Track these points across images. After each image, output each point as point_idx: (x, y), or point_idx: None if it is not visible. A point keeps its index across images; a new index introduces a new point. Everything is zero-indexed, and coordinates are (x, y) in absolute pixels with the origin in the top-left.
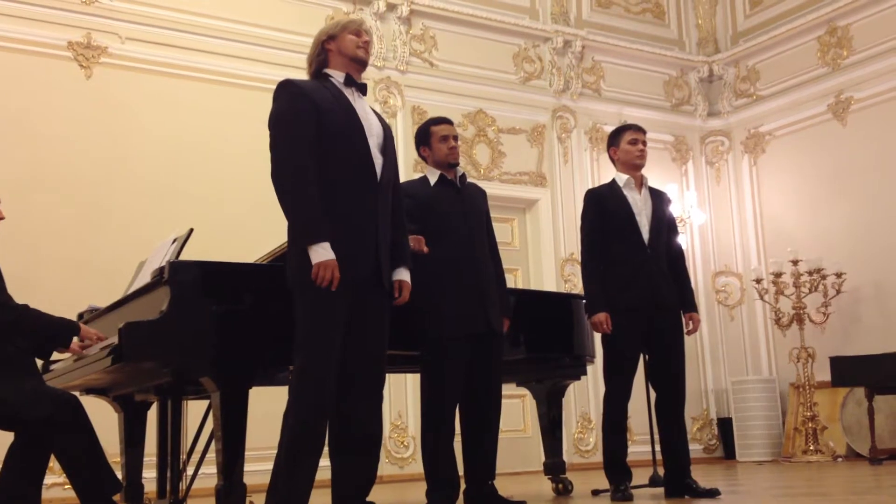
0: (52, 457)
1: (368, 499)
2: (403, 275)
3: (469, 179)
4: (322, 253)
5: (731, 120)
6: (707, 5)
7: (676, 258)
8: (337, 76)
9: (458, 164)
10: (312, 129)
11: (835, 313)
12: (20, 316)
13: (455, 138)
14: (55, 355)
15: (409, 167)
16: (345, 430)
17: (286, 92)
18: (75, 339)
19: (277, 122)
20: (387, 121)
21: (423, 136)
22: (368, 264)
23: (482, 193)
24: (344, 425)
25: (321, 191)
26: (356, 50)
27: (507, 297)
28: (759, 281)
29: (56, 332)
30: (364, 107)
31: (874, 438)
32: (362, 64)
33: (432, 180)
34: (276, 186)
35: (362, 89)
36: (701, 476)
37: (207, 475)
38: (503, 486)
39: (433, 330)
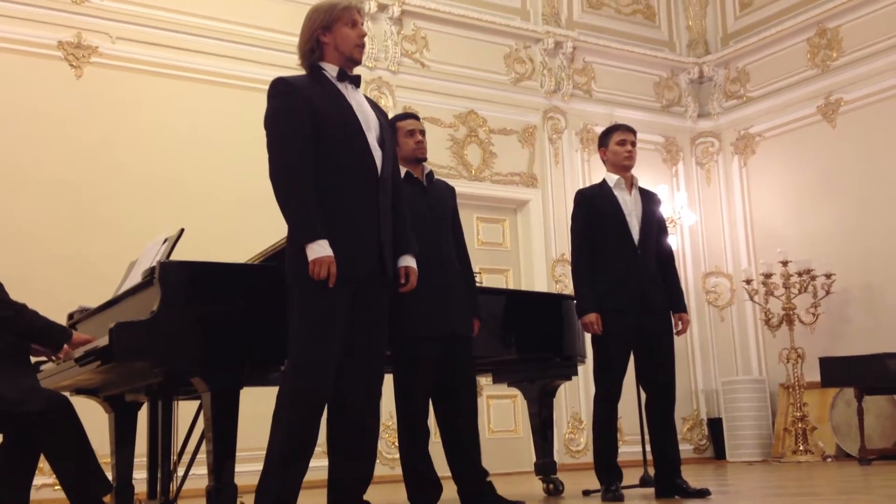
0: (42, 457)
1: (363, 498)
2: (409, 261)
3: (456, 178)
4: (318, 250)
5: (721, 121)
6: (697, 7)
7: (666, 259)
8: (330, 70)
9: (425, 160)
10: (308, 127)
11: (824, 314)
12: (17, 313)
13: (422, 133)
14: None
15: None
16: (342, 427)
17: (279, 91)
18: (65, 345)
19: (272, 122)
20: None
21: None
22: (371, 260)
23: (450, 191)
24: (341, 423)
25: (322, 188)
26: (353, 49)
27: (476, 298)
28: (748, 282)
29: (49, 335)
30: (360, 100)
31: (863, 438)
32: (357, 64)
33: None
34: (274, 185)
35: (356, 82)
36: (691, 476)
37: (198, 476)
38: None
39: (399, 332)
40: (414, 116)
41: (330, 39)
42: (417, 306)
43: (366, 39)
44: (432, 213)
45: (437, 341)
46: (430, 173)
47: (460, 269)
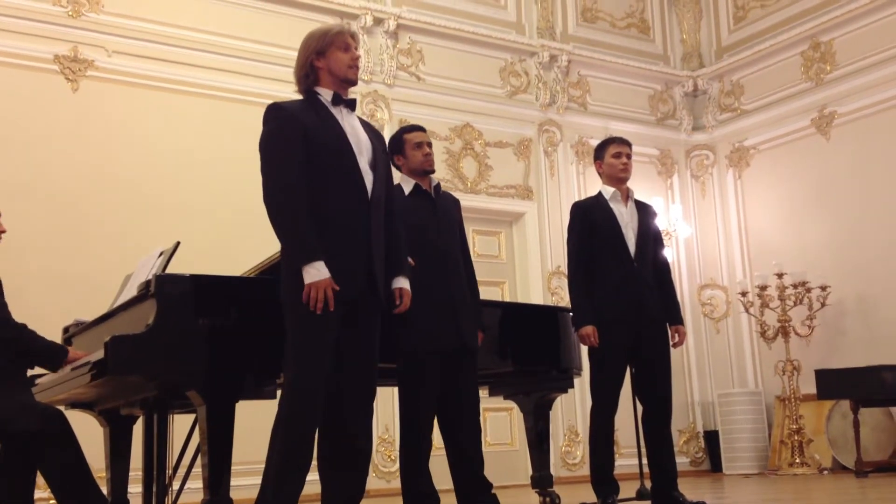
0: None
1: None
2: (403, 283)
3: (452, 191)
4: (315, 273)
5: (716, 134)
6: (692, 20)
7: (662, 271)
8: (325, 94)
9: (433, 172)
10: (301, 151)
11: (820, 326)
12: (20, 335)
13: (429, 145)
14: (39, 370)
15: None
16: (334, 443)
17: (274, 116)
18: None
19: (267, 146)
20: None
21: (397, 145)
22: (361, 281)
23: (456, 203)
24: (333, 439)
25: (313, 210)
26: (347, 71)
27: (480, 310)
28: (744, 294)
29: (48, 355)
30: (353, 123)
31: (859, 451)
32: (352, 84)
33: (407, 190)
34: (268, 208)
35: (351, 105)
36: (688, 489)
37: (193, 490)
38: None
39: (405, 345)
40: (421, 129)
41: (323, 64)
42: (427, 319)
43: (362, 53)
44: (440, 224)
45: (442, 356)
46: (438, 185)
47: (466, 281)
